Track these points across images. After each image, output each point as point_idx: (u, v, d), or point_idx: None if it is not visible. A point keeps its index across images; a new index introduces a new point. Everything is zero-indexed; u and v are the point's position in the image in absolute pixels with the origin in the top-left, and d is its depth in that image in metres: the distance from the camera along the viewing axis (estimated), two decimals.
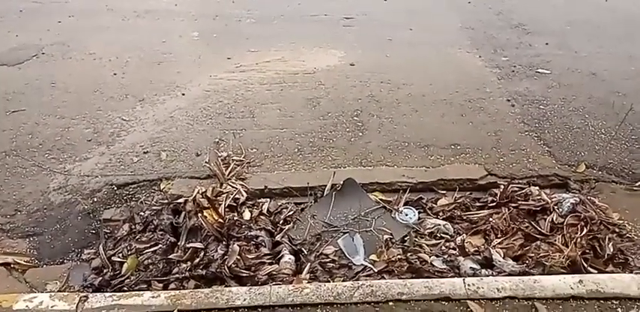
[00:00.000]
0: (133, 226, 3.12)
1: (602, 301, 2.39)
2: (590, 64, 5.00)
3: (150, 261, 2.88)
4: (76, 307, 2.41)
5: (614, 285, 2.44)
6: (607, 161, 3.58)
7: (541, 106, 4.27)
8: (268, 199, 3.28)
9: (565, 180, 3.42)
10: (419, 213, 3.16)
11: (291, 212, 3.18)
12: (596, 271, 2.65)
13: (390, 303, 2.38)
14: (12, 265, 2.95)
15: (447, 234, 3.00)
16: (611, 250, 2.76)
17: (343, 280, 2.70)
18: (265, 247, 2.95)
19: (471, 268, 2.73)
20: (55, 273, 2.92)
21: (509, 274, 2.65)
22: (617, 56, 5.19)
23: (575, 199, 3.08)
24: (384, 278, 2.69)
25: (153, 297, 2.45)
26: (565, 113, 4.17)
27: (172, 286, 2.75)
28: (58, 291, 2.75)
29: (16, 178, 3.54)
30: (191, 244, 2.93)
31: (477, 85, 4.64)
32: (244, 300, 2.40)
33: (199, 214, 3.01)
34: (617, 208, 3.13)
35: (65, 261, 3.04)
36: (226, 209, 3.09)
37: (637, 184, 3.37)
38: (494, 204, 3.18)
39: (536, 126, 3.99)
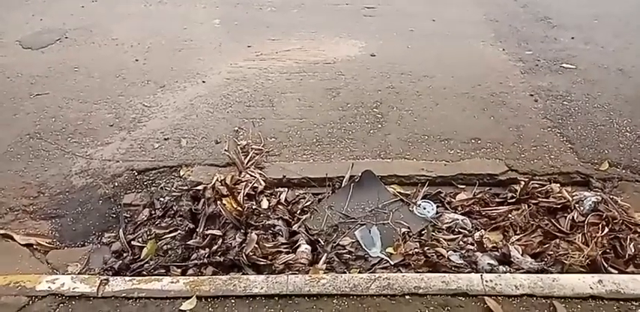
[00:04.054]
0: (153, 212, 3.16)
1: (621, 302, 2.36)
2: (617, 60, 4.88)
3: (169, 246, 2.92)
4: (97, 289, 2.46)
5: (634, 286, 2.41)
6: (631, 160, 3.50)
7: (565, 102, 4.19)
8: (286, 189, 3.29)
9: (587, 178, 3.36)
10: (437, 207, 3.14)
11: (308, 202, 3.19)
12: (616, 272, 2.61)
13: (407, 296, 2.39)
14: (34, 246, 3.01)
15: (464, 229, 2.98)
16: (633, 250, 2.71)
17: (359, 272, 2.71)
18: (282, 236, 2.97)
19: (488, 263, 2.71)
20: (76, 255, 2.98)
21: (527, 272, 2.63)
22: None
23: (597, 197, 3.03)
24: (401, 271, 2.69)
25: (172, 282, 2.49)
26: (589, 110, 4.09)
27: (190, 271, 2.79)
28: (79, 273, 2.81)
29: (39, 160, 3.60)
30: (210, 231, 2.96)
31: (499, 78, 4.56)
32: (261, 288, 2.43)
33: (218, 202, 3.04)
34: (639, 207, 3.07)
35: (86, 244, 3.09)
36: (245, 197, 3.11)
37: None
38: (513, 200, 3.15)
39: (560, 122, 3.92)
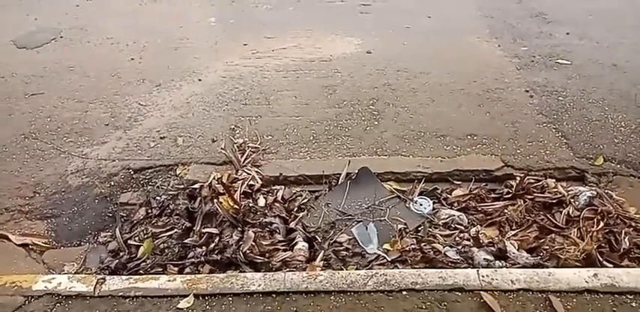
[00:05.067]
0: (150, 211, 3.16)
1: (616, 296, 2.36)
2: (612, 55, 4.89)
3: (165, 245, 2.93)
4: (94, 289, 2.46)
5: (629, 279, 2.42)
6: (626, 155, 3.51)
7: (560, 98, 4.20)
8: (283, 187, 3.29)
9: (582, 173, 3.37)
10: (433, 203, 3.15)
11: (305, 200, 3.19)
12: (611, 265, 2.62)
13: (404, 292, 2.39)
14: (30, 246, 3.01)
15: (461, 225, 2.99)
16: (627, 244, 2.72)
17: (356, 269, 2.72)
18: (279, 233, 2.97)
19: (484, 259, 2.72)
20: (72, 255, 2.98)
21: (523, 266, 2.64)
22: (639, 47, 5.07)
23: (592, 192, 3.04)
24: (398, 267, 2.70)
25: (169, 281, 2.48)
26: (584, 105, 4.09)
27: (187, 270, 2.79)
28: (75, 273, 2.81)
29: (34, 160, 3.59)
30: (206, 229, 2.96)
31: (495, 75, 4.57)
32: (259, 286, 2.43)
33: (215, 200, 3.03)
34: (634, 202, 3.07)
35: (82, 243, 3.10)
36: (241, 195, 3.10)
37: None
38: (509, 196, 3.15)
39: (555, 117, 3.93)
